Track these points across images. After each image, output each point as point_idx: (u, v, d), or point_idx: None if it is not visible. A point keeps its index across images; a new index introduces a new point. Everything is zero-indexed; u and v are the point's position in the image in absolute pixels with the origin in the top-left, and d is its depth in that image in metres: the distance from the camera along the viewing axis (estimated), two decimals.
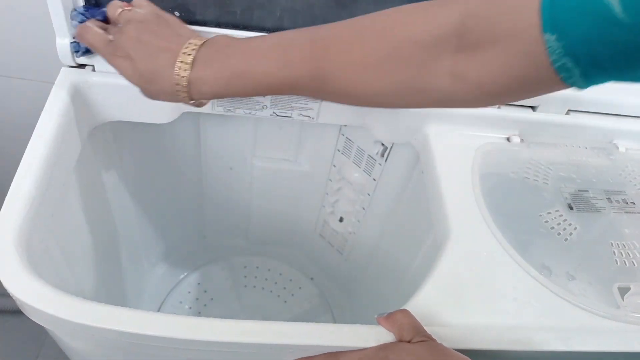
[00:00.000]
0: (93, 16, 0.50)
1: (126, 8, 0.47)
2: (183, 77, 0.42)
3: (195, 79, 0.42)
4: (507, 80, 0.35)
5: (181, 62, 0.42)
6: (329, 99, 0.43)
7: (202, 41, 0.43)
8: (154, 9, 0.47)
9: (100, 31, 0.47)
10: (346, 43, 0.40)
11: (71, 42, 0.52)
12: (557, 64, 0.32)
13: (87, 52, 0.53)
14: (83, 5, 0.51)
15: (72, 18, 0.50)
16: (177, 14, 0.54)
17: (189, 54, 0.42)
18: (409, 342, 0.38)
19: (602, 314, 0.45)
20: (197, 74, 0.42)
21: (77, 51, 0.53)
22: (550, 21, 0.31)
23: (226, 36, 0.44)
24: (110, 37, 0.46)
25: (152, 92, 0.45)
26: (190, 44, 0.43)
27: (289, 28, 0.52)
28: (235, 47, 0.42)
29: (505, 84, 0.36)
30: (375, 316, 0.41)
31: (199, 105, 0.46)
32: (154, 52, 0.43)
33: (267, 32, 0.55)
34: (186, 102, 0.44)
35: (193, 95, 0.43)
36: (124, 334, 0.38)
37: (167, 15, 0.47)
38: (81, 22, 0.49)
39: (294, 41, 0.41)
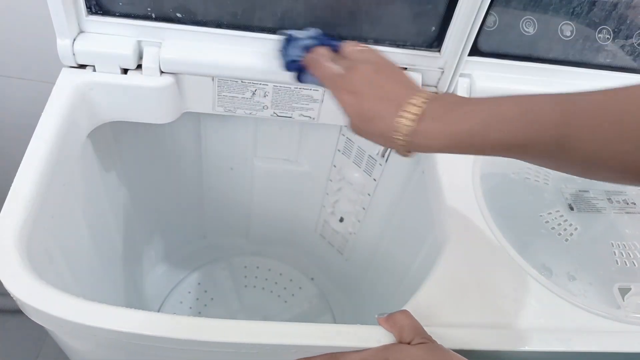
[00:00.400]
0: (324, 44, 0.50)
1: (363, 47, 0.49)
2: (407, 125, 0.42)
3: (420, 132, 0.41)
4: None
5: (407, 111, 0.42)
6: (562, 169, 0.40)
7: (431, 95, 0.43)
8: (386, 58, 0.49)
9: (334, 65, 0.48)
10: (600, 110, 0.37)
11: (290, 61, 0.51)
12: None
13: (299, 73, 0.52)
14: (315, 30, 0.52)
15: (300, 42, 0.51)
16: (179, 15, 0.54)
17: (418, 106, 0.42)
18: (409, 343, 0.38)
19: (603, 314, 0.45)
20: (423, 127, 0.41)
21: (290, 70, 0.52)
22: None
23: (453, 94, 0.44)
24: (341, 69, 0.47)
25: (366, 130, 0.45)
26: (420, 95, 0.43)
27: (290, 29, 0.53)
28: (470, 106, 0.41)
29: None
30: (376, 316, 0.41)
31: (407, 155, 0.46)
32: (383, 96, 0.44)
33: (268, 33, 0.55)
34: (400, 152, 0.44)
35: (411, 146, 0.43)
36: (124, 334, 0.38)
37: (397, 66, 0.48)
38: (310, 45, 0.50)
39: (536, 104, 0.39)
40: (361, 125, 0.45)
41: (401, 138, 0.42)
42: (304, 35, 0.52)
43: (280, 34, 0.53)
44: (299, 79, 0.52)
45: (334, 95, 0.47)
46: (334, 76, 0.47)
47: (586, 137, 0.37)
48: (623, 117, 0.36)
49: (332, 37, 0.52)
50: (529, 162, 0.40)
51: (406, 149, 0.43)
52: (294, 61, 0.51)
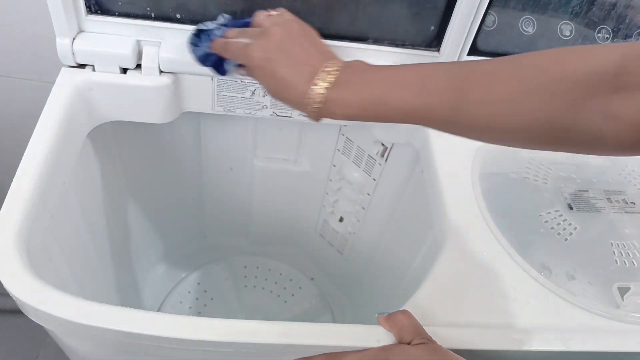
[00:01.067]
0: (235, 26, 0.49)
1: (273, 13, 0.48)
2: (320, 94, 0.42)
3: (331, 99, 0.42)
4: None
5: (321, 80, 0.42)
6: (463, 133, 0.42)
7: (343, 63, 0.44)
8: (299, 21, 0.48)
9: (242, 38, 0.47)
10: (492, 74, 0.39)
11: (203, 55, 0.50)
12: None
13: (217, 65, 0.50)
14: (226, 17, 0.50)
15: (210, 33, 0.49)
16: (178, 15, 0.54)
17: (330, 74, 0.43)
18: (409, 343, 0.38)
19: (602, 313, 0.45)
20: (334, 95, 0.42)
21: (206, 64, 0.50)
22: None
23: (362, 62, 0.44)
24: (247, 40, 0.46)
25: (280, 96, 0.46)
26: (332, 64, 0.43)
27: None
28: (373, 74, 0.43)
29: None
30: (376, 315, 0.41)
31: (317, 120, 0.46)
32: (295, 63, 0.44)
33: None
34: (311, 117, 0.45)
35: (323, 113, 0.44)
36: (124, 334, 0.38)
37: (311, 29, 0.48)
38: (220, 35, 0.49)
39: (433, 71, 0.41)
40: (275, 92, 0.45)
41: (314, 106, 0.43)
42: (213, 25, 0.50)
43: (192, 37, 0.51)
44: (219, 71, 0.50)
45: (243, 60, 0.46)
46: (243, 49, 0.46)
47: (479, 99, 0.38)
48: (512, 78, 0.37)
49: (243, 17, 0.50)
50: (433, 128, 0.42)
51: (318, 115, 0.44)
52: (208, 55, 0.49)
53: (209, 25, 0.50)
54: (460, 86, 0.39)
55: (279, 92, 0.45)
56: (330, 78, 0.42)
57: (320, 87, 0.42)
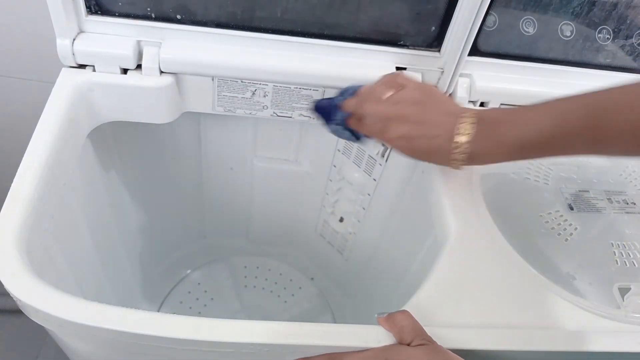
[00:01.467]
0: (350, 93, 0.52)
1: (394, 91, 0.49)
2: (462, 154, 0.45)
3: (473, 154, 0.45)
4: None
5: (457, 142, 0.45)
6: (607, 150, 0.43)
7: (473, 118, 0.46)
8: (418, 83, 0.50)
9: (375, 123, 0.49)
10: (628, 102, 0.40)
11: (340, 128, 0.52)
12: None
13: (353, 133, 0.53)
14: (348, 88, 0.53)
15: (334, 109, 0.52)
16: (179, 16, 0.54)
17: (465, 134, 0.45)
18: (409, 344, 0.38)
19: (603, 314, 0.45)
20: (474, 149, 0.45)
21: (358, 138, 0.53)
22: None
23: (494, 110, 0.47)
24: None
25: (426, 160, 0.49)
26: (463, 122, 0.45)
27: (290, 28, 0.53)
28: (508, 123, 0.45)
29: None
30: (375, 315, 0.41)
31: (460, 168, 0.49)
32: (431, 133, 0.46)
33: (267, 33, 0.55)
34: (454, 166, 0.47)
35: (470, 164, 0.47)
36: (124, 334, 0.38)
37: (431, 87, 0.50)
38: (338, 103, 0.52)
39: (567, 103, 0.42)
40: (421, 159, 0.48)
41: (460, 162, 0.46)
42: (330, 102, 0.53)
43: (312, 111, 0.55)
44: (357, 137, 0.53)
45: (385, 141, 0.49)
46: (380, 133, 0.49)
47: (619, 130, 0.40)
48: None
49: (349, 87, 0.53)
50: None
51: (463, 164, 0.46)
52: (342, 129, 0.52)
53: (325, 102, 0.54)
54: (598, 114, 0.40)
55: (425, 159, 0.48)
56: (466, 138, 0.45)
57: (459, 149, 0.45)
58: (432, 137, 0.46)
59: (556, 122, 0.42)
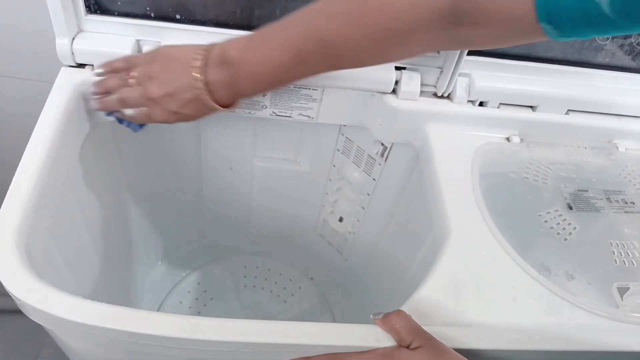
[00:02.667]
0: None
1: (127, 76, 0.51)
2: (202, 83, 0.46)
3: (215, 84, 0.47)
4: (507, 43, 0.44)
5: (193, 67, 0.46)
6: (339, 64, 0.47)
7: (203, 52, 0.47)
8: (146, 56, 0.51)
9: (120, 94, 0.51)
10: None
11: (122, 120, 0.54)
12: (545, 32, 0.38)
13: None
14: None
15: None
16: (178, 15, 0.54)
17: (198, 59, 0.46)
18: (408, 346, 0.37)
19: (602, 313, 0.45)
20: (212, 79, 0.46)
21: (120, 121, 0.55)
22: (546, 16, 0.37)
23: (233, 43, 0.47)
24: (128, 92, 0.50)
25: (181, 109, 0.49)
26: (195, 57, 0.47)
27: None
28: (246, 61, 0.46)
29: (505, 44, 0.45)
30: (371, 316, 0.41)
31: (231, 108, 0.50)
32: (178, 86, 0.47)
33: None
34: (215, 109, 0.48)
35: (226, 99, 0.48)
36: (124, 333, 0.38)
37: (162, 50, 0.50)
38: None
39: (295, 37, 0.45)
40: (178, 112, 0.49)
41: (203, 93, 0.46)
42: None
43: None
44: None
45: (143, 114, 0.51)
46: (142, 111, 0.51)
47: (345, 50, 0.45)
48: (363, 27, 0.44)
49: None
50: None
51: (216, 104, 0.48)
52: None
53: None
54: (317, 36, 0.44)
55: (178, 104, 0.48)
56: (199, 63, 0.46)
57: (197, 73, 0.46)
58: (181, 86, 0.47)
59: (292, 56, 0.45)
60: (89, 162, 0.60)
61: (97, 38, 0.54)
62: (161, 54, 0.49)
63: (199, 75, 0.46)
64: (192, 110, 0.49)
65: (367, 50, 0.45)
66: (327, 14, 0.44)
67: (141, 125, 0.55)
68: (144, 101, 0.49)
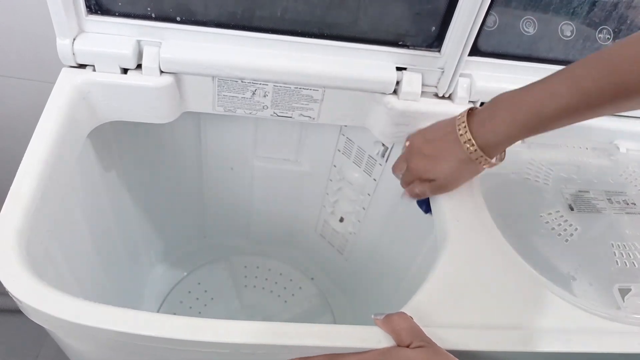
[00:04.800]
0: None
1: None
2: (469, 140, 0.47)
3: (482, 139, 0.47)
4: None
5: (461, 134, 0.47)
6: (629, 104, 0.43)
7: (464, 115, 0.48)
8: (414, 142, 0.55)
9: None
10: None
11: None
12: None
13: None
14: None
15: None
16: (179, 16, 0.54)
17: (464, 124, 0.48)
18: (407, 346, 0.37)
19: (603, 314, 0.45)
20: (479, 132, 0.47)
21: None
22: None
23: (499, 97, 0.48)
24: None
25: (457, 179, 0.51)
26: (461, 122, 0.48)
27: (290, 28, 0.53)
28: (514, 99, 0.46)
29: None
30: (372, 316, 0.41)
31: (497, 163, 0.50)
32: (446, 155, 0.50)
33: (267, 33, 0.55)
34: (490, 166, 0.49)
35: (490, 152, 0.47)
36: (124, 334, 0.38)
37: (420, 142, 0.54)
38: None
39: (577, 69, 0.43)
40: (454, 181, 0.51)
41: (478, 155, 0.47)
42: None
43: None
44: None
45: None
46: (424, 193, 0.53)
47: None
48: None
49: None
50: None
51: (485, 158, 0.47)
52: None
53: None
54: (614, 69, 0.41)
55: (466, 173, 0.51)
56: (465, 128, 0.47)
57: (465, 138, 0.47)
58: (452, 153, 0.49)
59: (573, 89, 0.42)
60: (89, 163, 0.60)
61: (98, 38, 0.53)
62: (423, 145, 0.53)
63: (470, 137, 0.47)
64: (466, 171, 0.51)
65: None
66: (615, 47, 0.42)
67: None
68: None
